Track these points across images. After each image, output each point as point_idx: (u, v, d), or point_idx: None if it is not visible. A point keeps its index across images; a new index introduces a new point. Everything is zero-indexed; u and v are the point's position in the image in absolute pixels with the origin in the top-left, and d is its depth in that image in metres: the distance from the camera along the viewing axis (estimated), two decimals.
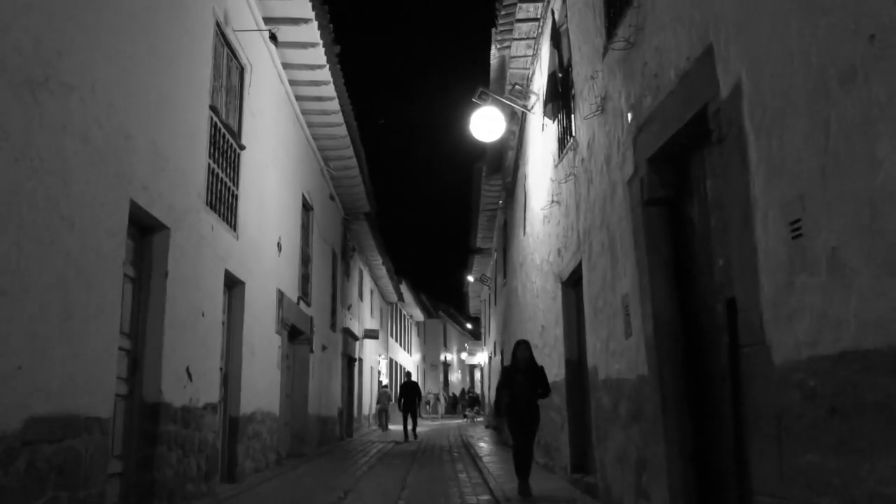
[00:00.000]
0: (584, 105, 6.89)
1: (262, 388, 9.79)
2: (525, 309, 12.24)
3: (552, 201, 8.79)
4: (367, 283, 24.81)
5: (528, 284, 11.71)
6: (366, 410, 23.90)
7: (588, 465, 7.86)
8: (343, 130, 12.97)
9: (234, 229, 8.51)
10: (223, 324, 8.48)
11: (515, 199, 14.74)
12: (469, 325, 49.65)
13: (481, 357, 34.06)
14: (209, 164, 7.60)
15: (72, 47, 4.71)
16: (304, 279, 13.09)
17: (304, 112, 12.22)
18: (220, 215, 7.97)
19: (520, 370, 7.60)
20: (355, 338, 20.38)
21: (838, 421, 2.72)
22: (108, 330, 5.26)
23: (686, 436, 4.82)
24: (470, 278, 27.55)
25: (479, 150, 18.07)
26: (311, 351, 13.46)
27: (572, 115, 7.72)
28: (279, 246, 10.80)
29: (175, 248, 6.57)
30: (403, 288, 31.89)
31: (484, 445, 15.69)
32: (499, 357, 20.33)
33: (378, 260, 23.44)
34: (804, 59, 2.96)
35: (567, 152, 7.91)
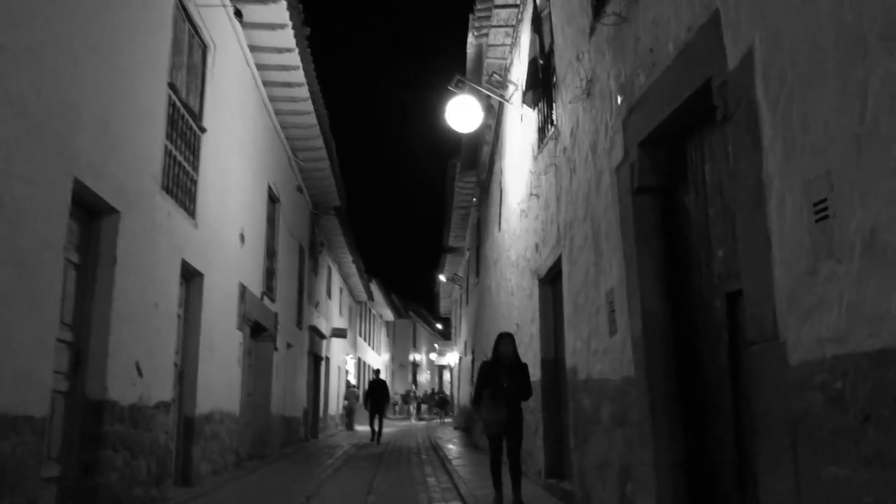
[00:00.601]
0: (568, 91, 6.53)
1: (220, 386, 9.27)
2: (499, 307, 11.86)
3: (530, 194, 8.42)
4: (336, 281, 24.28)
5: (503, 282, 11.34)
6: (332, 410, 23.35)
7: (564, 470, 7.50)
8: (312, 119, 12.46)
9: (193, 217, 8.00)
10: (179, 317, 7.96)
11: (490, 195, 14.37)
12: (439, 326, 49.26)
13: (451, 357, 33.68)
14: (166, 146, 7.09)
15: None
16: (269, 273, 12.56)
17: (271, 99, 11.70)
18: (177, 201, 7.46)
19: (503, 367, 6.68)
20: (322, 336, 19.85)
21: (873, 429, 2.35)
22: (44, 319, 4.75)
23: (677, 443, 4.46)
24: (442, 277, 27.14)
25: (453, 144, 17.70)
26: (276, 348, 12.93)
27: (553, 104, 7.36)
28: (242, 237, 10.28)
29: (126, 233, 6.06)
30: (374, 287, 31.38)
31: (453, 447, 15.29)
32: (470, 357, 19.96)
33: (348, 257, 22.92)
34: (834, 16, 2.59)
35: (547, 142, 7.54)
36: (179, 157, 7.52)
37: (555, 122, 7.24)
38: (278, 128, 12.55)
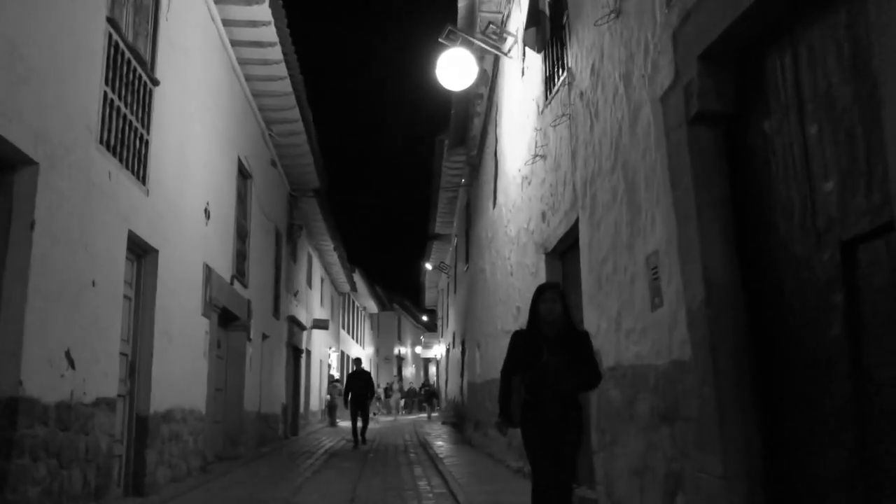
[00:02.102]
0: (588, 19, 5.43)
1: (182, 380, 8.12)
2: (495, 291, 10.78)
3: (535, 157, 7.33)
4: (318, 270, 23.10)
5: (500, 262, 10.25)
6: (314, 406, 22.20)
7: (580, 475, 6.43)
8: (287, 85, 11.28)
9: (144, 183, 6.85)
10: (128, 299, 6.81)
11: (482, 172, 13.29)
12: (425, 318, 48.17)
13: (438, 350, 32.58)
14: (106, 93, 5.93)
15: None
16: (240, 256, 11.40)
17: (241, 62, 10.52)
18: (122, 161, 6.31)
19: (546, 339, 4.21)
20: (302, 327, 18.69)
21: None
22: None
23: (754, 446, 3.41)
24: (428, 266, 26.04)
25: (440, 119, 16.53)
26: (249, 339, 11.78)
27: (566, 43, 6.27)
28: (207, 213, 9.11)
29: (48, 191, 4.91)
30: (357, 277, 30.21)
31: (443, 444, 14.23)
32: (459, 349, 18.91)
33: (329, 244, 21.73)
34: None
35: (557, 91, 6.46)
36: (125, 110, 6.36)
37: (567, 65, 6.15)
38: (249, 95, 11.36)
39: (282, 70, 10.79)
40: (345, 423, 21.97)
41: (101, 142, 5.81)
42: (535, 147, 7.34)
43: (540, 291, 4.37)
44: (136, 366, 6.96)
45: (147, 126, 6.92)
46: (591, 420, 5.54)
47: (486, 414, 11.71)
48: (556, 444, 4.17)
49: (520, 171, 8.38)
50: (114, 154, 6.12)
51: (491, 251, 11.28)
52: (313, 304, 21.89)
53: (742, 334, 3.53)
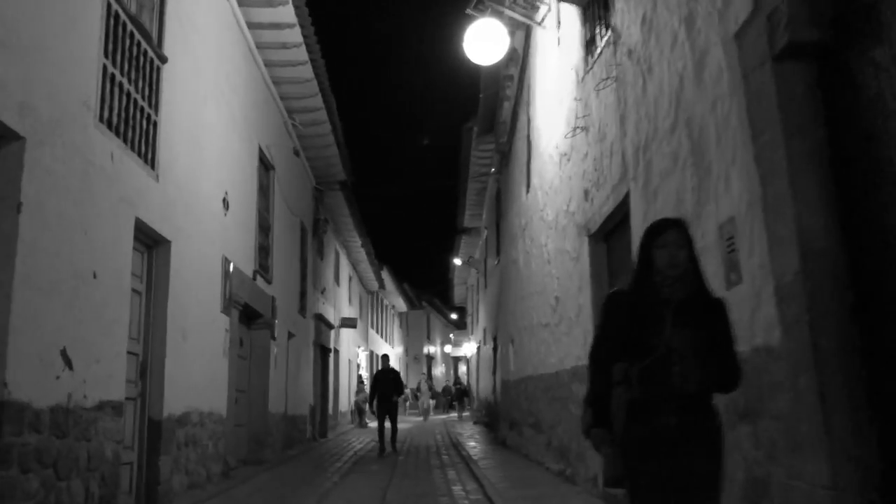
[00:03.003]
0: None
1: (200, 381, 7.62)
2: (529, 281, 10.16)
3: (575, 130, 6.69)
4: (345, 268, 22.63)
5: (535, 250, 9.62)
6: (343, 407, 21.72)
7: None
8: (308, 71, 10.75)
9: (153, 167, 6.35)
10: (137, 294, 6.32)
11: (512, 158, 12.67)
12: (454, 316, 47.55)
13: (468, 348, 31.93)
14: (104, 66, 5.42)
15: None
16: (263, 251, 10.90)
17: (259, 46, 10.01)
18: (127, 143, 5.81)
19: (665, 305, 2.63)
20: (330, 326, 18.20)
21: None
22: None
23: (870, 450, 2.77)
24: (457, 261, 25.41)
25: (468, 105, 15.93)
26: (273, 338, 11.28)
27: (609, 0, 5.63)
28: (226, 203, 8.61)
29: (38, 170, 4.41)
30: (385, 275, 29.69)
31: (476, 445, 13.64)
32: (490, 346, 18.29)
33: (357, 241, 21.24)
34: None
35: (601, 53, 5.83)
36: (128, 87, 5.85)
37: (610, 24, 5.52)
38: (269, 82, 10.86)
39: (302, 54, 10.26)
40: (374, 424, 21.47)
41: (101, 120, 5.31)
42: (575, 119, 6.70)
43: (656, 231, 2.72)
44: (148, 366, 6.47)
45: (155, 106, 6.42)
46: None
47: (522, 413, 11.09)
48: (681, 480, 2.52)
49: (557, 148, 7.75)
50: (117, 134, 5.61)
51: (524, 240, 10.65)
52: (341, 302, 21.43)
53: (847, 311, 2.90)
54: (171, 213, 6.75)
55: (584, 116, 6.39)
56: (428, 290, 45.78)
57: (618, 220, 5.73)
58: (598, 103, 5.94)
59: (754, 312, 3.32)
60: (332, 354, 19.01)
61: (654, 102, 4.57)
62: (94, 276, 5.15)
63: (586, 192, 6.50)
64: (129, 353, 6.03)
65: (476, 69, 11.69)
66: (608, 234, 6.26)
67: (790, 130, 3.03)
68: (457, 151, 16.63)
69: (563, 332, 7.64)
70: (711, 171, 3.74)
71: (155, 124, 6.40)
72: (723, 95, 3.56)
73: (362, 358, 27.29)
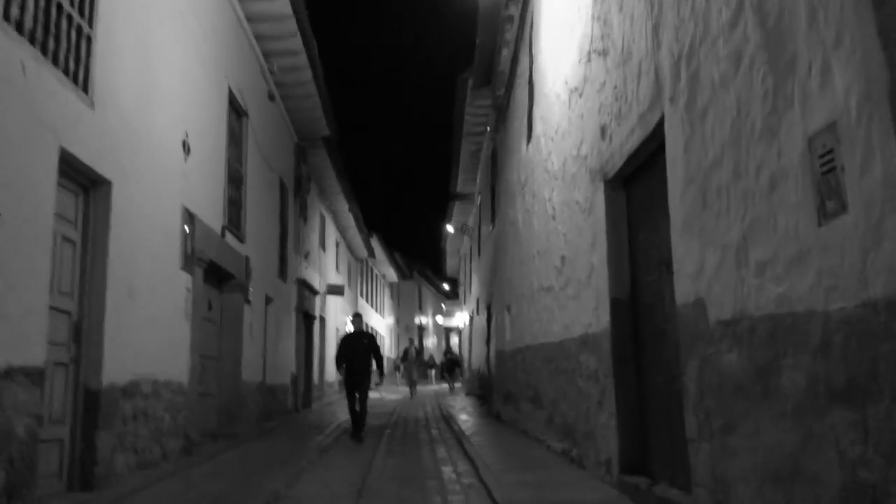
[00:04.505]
0: None
1: (153, 346, 6.65)
2: (529, 243, 9.17)
3: (591, 54, 5.67)
4: (332, 233, 21.59)
5: (536, 207, 8.63)
6: (330, 377, 20.81)
7: (654, 466, 4.88)
8: (286, 6, 9.66)
9: (85, 91, 5.30)
10: (69, 242, 5.32)
11: (510, 113, 11.63)
12: (446, 286, 46.64)
13: (460, 318, 31.01)
14: None
15: None
16: (234, 205, 9.87)
17: None
18: (46, 54, 4.76)
19: None
20: (315, 292, 17.23)
21: None
22: None
23: None
24: (449, 228, 24.43)
25: (463, 57, 14.83)
26: (248, 301, 10.30)
27: None
28: (185, 146, 7.56)
29: None
30: (375, 243, 28.68)
31: (468, 419, 12.76)
32: (483, 315, 17.38)
33: (344, 205, 20.20)
34: None
35: None
36: None
37: None
38: (241, 16, 9.74)
39: None
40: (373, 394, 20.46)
41: (5, 17, 4.26)
42: (590, 44, 5.67)
43: None
44: (82, 326, 5.48)
45: (89, 18, 5.36)
46: (686, 396, 3.95)
47: (519, 386, 10.19)
48: None
49: (566, 83, 6.72)
50: (31, 42, 4.57)
51: (524, 197, 9.65)
52: (328, 268, 20.43)
53: None
54: (111, 149, 5.72)
55: (603, 36, 5.35)
56: (420, 259, 44.86)
57: (644, 157, 4.74)
58: (622, 18, 4.92)
59: (867, 254, 2.35)
60: (317, 322, 18.06)
61: None
62: None
63: (603, 130, 5.49)
64: (56, 309, 5.06)
65: (473, 8, 10.63)
66: (627, 179, 5.27)
67: None
68: (450, 108, 15.56)
69: (570, 296, 6.69)
70: (796, 67, 2.74)
71: (88, 38, 5.34)
72: None
73: (351, 328, 26.34)
